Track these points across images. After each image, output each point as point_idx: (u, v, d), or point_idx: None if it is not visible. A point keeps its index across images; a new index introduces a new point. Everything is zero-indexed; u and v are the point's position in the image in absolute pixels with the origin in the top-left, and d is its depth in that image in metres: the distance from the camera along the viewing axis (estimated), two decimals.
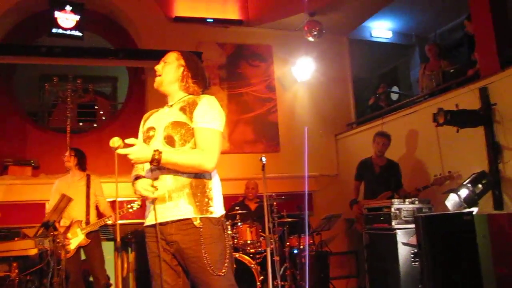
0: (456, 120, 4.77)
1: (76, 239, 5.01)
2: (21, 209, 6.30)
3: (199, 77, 2.71)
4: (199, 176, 2.50)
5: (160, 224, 2.45)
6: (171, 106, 2.66)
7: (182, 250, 2.44)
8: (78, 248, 5.06)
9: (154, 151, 2.35)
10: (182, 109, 2.57)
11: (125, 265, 6.57)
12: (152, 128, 2.62)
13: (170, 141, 2.50)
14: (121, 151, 2.31)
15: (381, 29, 8.95)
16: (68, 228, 5.07)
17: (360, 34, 8.70)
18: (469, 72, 5.55)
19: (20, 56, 6.93)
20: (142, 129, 2.74)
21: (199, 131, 2.50)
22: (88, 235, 5.05)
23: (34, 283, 4.24)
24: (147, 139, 2.59)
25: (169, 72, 2.67)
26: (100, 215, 5.32)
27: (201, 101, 2.56)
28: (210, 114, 2.52)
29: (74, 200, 5.14)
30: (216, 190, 2.57)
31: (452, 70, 6.35)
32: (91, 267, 5.16)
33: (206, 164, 2.44)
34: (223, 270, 2.43)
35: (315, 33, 7.27)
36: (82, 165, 5.40)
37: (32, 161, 6.89)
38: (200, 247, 2.40)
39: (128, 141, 2.33)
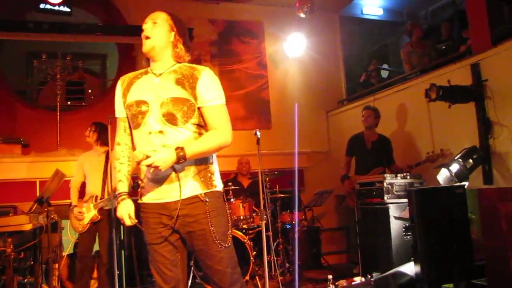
0: (448, 95, 4.80)
1: (89, 214, 5.00)
2: (12, 187, 6.28)
3: (187, 44, 2.56)
4: None
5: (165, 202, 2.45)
6: (160, 75, 2.48)
7: (188, 224, 2.43)
8: (92, 225, 5.04)
9: (176, 149, 2.29)
10: (179, 83, 2.43)
11: (117, 242, 6.59)
12: (143, 102, 2.44)
13: (171, 118, 2.38)
14: (145, 162, 2.27)
15: (372, 6, 8.90)
16: (84, 203, 5.07)
17: (351, 11, 8.65)
18: (461, 49, 5.58)
19: (7, 32, 6.80)
20: (123, 98, 2.57)
21: (210, 109, 2.44)
22: (100, 211, 5.02)
23: (28, 259, 4.26)
24: (140, 115, 2.44)
25: (161, 36, 2.47)
26: None
27: (201, 75, 2.43)
28: (216, 89, 2.47)
29: (93, 175, 5.14)
30: (215, 164, 2.57)
31: (443, 47, 6.38)
32: (99, 244, 5.14)
33: (226, 143, 2.46)
34: (228, 241, 2.47)
35: (307, 9, 7.21)
36: (103, 140, 5.24)
37: (21, 139, 6.80)
38: (207, 220, 2.41)
39: (148, 153, 2.30)
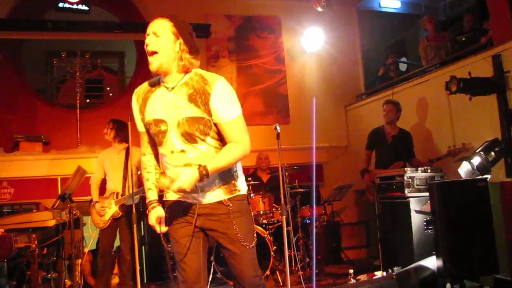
0: (469, 88, 4.73)
1: (110, 210, 5.07)
2: (34, 184, 6.38)
3: (194, 49, 2.41)
4: None
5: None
6: (172, 89, 2.41)
7: (211, 223, 2.49)
8: (113, 221, 5.11)
9: (198, 169, 2.29)
10: (192, 100, 2.37)
11: (138, 238, 6.65)
12: (161, 121, 2.43)
13: (189, 138, 2.38)
14: (172, 188, 2.30)
15: None
16: (106, 199, 5.14)
17: (368, 4, 8.58)
18: (482, 40, 5.50)
19: (27, 32, 6.90)
20: (140, 115, 2.54)
21: (226, 125, 2.39)
22: (121, 207, 5.07)
23: (52, 254, 4.32)
24: (160, 134, 2.44)
25: (167, 49, 2.33)
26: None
27: (213, 89, 2.35)
28: (230, 102, 2.40)
29: (113, 173, 5.22)
30: (239, 170, 2.59)
31: (463, 39, 6.30)
32: (120, 241, 5.22)
33: (246, 153, 2.44)
34: (251, 241, 2.50)
35: (324, 3, 7.16)
36: (121, 137, 5.30)
37: (42, 137, 6.90)
38: (230, 220, 2.46)
39: (173, 176, 2.34)
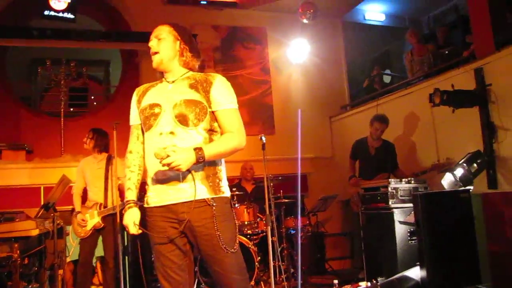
0: (452, 100, 4.80)
1: (92, 221, 4.99)
2: (16, 193, 6.28)
3: (194, 50, 2.62)
4: None
5: (172, 204, 2.45)
6: (173, 82, 2.56)
7: (194, 228, 2.43)
8: (94, 231, 5.04)
9: (195, 150, 2.31)
10: (193, 87, 2.50)
11: (121, 248, 6.59)
12: (157, 105, 2.50)
13: (183, 119, 2.42)
14: (166, 161, 2.26)
15: (375, 12, 8.95)
16: (88, 209, 5.06)
17: (354, 17, 8.70)
18: (465, 53, 5.59)
19: (12, 39, 6.84)
20: (137, 104, 2.62)
21: (225, 113, 2.49)
22: (104, 218, 5.00)
23: (34, 264, 4.27)
24: (152, 116, 2.48)
25: (167, 48, 2.54)
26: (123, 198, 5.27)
27: (215, 80, 2.51)
28: (230, 94, 2.53)
29: (94, 183, 5.12)
30: (224, 170, 2.58)
31: (446, 52, 6.39)
32: (104, 250, 5.14)
33: (241, 145, 2.50)
34: (235, 247, 2.47)
35: (309, 15, 7.23)
36: (101, 147, 5.22)
37: (25, 145, 6.83)
38: (214, 225, 2.41)
39: (169, 152, 2.26)
